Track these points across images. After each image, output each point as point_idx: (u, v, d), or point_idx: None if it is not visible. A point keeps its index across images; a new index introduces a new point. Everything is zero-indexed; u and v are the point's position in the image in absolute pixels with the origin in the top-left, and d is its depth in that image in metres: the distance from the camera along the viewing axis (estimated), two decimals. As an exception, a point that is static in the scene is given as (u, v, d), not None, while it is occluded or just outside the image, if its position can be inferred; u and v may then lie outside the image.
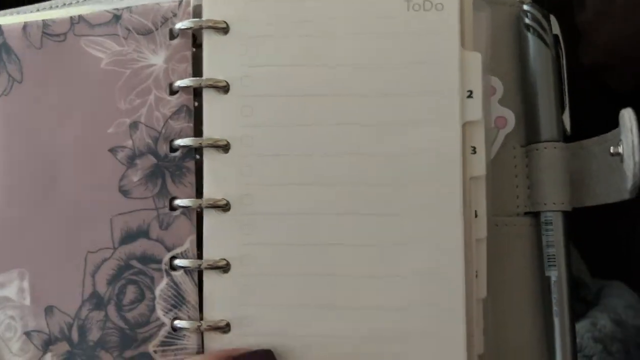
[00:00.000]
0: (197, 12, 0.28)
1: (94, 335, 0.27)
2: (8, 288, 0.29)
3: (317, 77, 0.26)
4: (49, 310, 0.28)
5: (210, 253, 0.26)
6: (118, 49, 0.28)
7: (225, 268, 0.26)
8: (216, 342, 0.26)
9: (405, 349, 0.25)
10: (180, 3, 0.28)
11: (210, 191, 0.27)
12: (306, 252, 0.26)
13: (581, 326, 0.33)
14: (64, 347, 0.28)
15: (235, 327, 0.26)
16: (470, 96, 0.26)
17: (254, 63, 0.26)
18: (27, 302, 0.28)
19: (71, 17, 0.29)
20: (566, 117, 0.30)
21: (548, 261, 0.29)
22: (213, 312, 0.26)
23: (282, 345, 0.26)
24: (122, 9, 0.29)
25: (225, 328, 0.26)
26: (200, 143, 0.27)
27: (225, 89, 0.27)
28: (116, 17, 0.29)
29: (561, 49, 0.30)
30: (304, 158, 0.26)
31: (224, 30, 0.27)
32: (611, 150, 0.28)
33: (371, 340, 0.25)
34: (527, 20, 0.29)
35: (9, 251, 0.29)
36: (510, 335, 0.29)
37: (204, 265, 0.26)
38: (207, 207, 0.26)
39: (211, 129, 0.27)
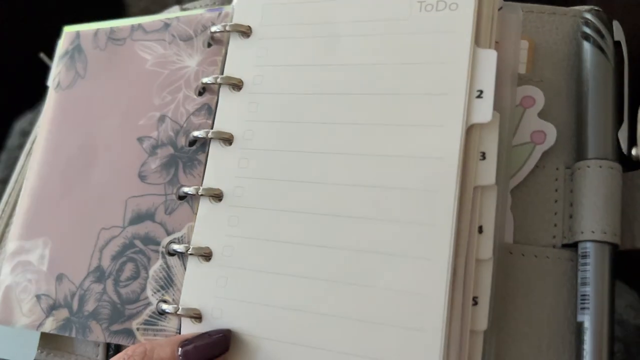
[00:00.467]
0: (235, 23, 0.30)
1: (90, 306, 0.29)
2: (32, 253, 0.31)
3: (325, 77, 0.26)
4: (59, 277, 0.30)
5: (198, 240, 0.27)
6: (162, 52, 0.32)
7: (207, 257, 0.27)
8: (189, 329, 0.26)
9: None
10: (219, 14, 0.31)
11: (209, 181, 0.28)
12: (284, 251, 0.25)
13: None
14: (64, 313, 0.29)
15: (206, 317, 0.26)
16: (480, 96, 0.24)
17: (267, 63, 0.28)
18: (45, 268, 0.31)
19: (132, 25, 0.33)
20: (623, 134, 0.25)
21: (581, 302, 0.24)
22: (190, 299, 0.27)
23: (247, 344, 0.25)
24: (173, 18, 0.32)
25: (197, 317, 0.26)
26: (207, 134, 0.28)
27: (238, 86, 0.28)
28: (166, 25, 0.32)
29: (623, 56, 0.26)
30: (299, 155, 0.26)
31: (247, 34, 0.29)
32: (633, 152, 0.24)
33: (341, 353, 0.24)
34: (585, 29, 0.27)
35: (40, 221, 0.32)
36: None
37: (190, 250, 0.27)
38: (202, 195, 0.27)
39: (220, 123, 0.28)
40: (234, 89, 0.28)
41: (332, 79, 0.26)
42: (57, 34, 0.36)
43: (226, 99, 0.28)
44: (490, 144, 0.24)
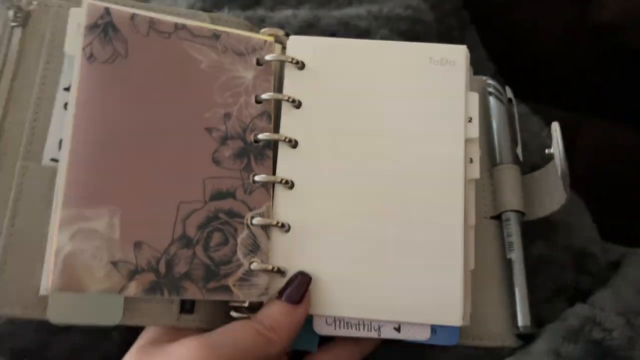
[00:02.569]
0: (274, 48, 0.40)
1: (180, 268, 0.33)
2: (96, 221, 0.32)
3: (363, 108, 0.39)
4: (137, 245, 0.33)
5: (278, 216, 0.36)
6: (215, 57, 0.38)
7: (287, 229, 0.36)
8: (277, 283, 0.35)
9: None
10: (265, 42, 0.40)
11: (281, 173, 0.37)
12: (345, 224, 0.38)
13: (599, 297, 0.34)
14: (149, 277, 0.32)
15: (289, 272, 0.36)
16: (470, 121, 0.38)
17: (319, 91, 0.39)
18: (116, 235, 0.32)
19: (175, 23, 0.37)
20: (519, 151, 0.42)
21: (508, 247, 0.39)
22: (276, 260, 0.36)
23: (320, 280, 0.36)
24: (221, 31, 0.38)
25: (283, 273, 0.36)
26: (277, 138, 0.37)
27: (297, 105, 0.39)
28: (215, 36, 0.38)
29: (513, 105, 0.43)
30: (349, 160, 0.38)
31: (300, 67, 0.39)
32: (546, 151, 0.39)
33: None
34: (490, 90, 0.44)
35: (101, 189, 0.33)
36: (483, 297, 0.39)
37: (273, 223, 0.36)
38: (277, 182, 0.37)
39: (285, 130, 0.38)
40: (293, 106, 0.38)
41: (370, 112, 0.40)
42: None
43: (288, 113, 0.38)
44: (475, 152, 0.39)
